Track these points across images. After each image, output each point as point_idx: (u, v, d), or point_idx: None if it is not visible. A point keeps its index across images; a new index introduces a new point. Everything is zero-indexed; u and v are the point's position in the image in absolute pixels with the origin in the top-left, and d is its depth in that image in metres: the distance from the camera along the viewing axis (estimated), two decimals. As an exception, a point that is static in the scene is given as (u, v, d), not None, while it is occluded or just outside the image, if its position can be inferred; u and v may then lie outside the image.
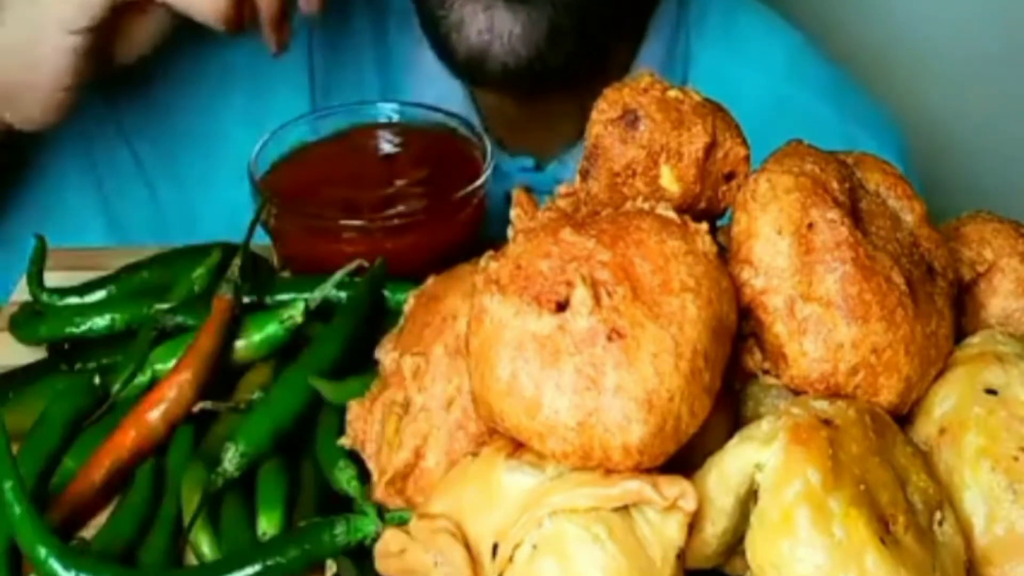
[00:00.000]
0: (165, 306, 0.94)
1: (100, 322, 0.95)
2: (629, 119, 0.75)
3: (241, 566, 0.75)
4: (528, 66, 1.08)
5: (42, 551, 0.75)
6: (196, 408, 0.86)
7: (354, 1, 1.25)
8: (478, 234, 1.02)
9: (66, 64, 0.99)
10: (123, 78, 1.20)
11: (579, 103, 1.18)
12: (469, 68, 1.09)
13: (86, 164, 1.23)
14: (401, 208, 1.00)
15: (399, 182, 1.04)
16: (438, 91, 1.19)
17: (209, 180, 1.22)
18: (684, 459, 0.68)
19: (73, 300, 0.97)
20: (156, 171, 1.24)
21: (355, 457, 0.80)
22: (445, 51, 1.10)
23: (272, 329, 0.91)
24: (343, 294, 0.94)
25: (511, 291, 0.67)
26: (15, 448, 0.85)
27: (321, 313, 0.92)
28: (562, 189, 0.81)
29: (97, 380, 0.89)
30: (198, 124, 1.23)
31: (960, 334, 0.77)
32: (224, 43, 1.17)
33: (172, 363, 0.88)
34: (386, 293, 0.95)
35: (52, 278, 0.98)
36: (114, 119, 1.23)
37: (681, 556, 0.67)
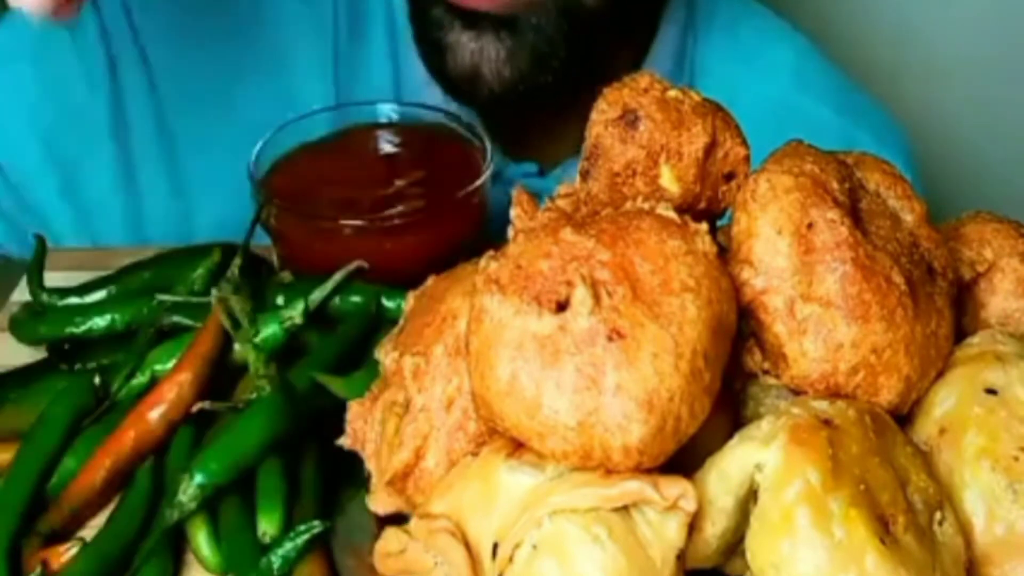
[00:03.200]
0: (167, 297, 0.94)
1: (100, 322, 0.95)
2: (629, 119, 0.75)
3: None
4: (513, 87, 1.11)
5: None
6: (196, 408, 0.86)
7: (372, 10, 1.25)
8: (478, 234, 1.02)
9: None
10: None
11: (582, 113, 1.19)
12: (461, 87, 1.12)
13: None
14: (401, 208, 1.00)
15: (399, 182, 1.04)
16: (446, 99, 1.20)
17: (225, 179, 1.22)
18: (684, 459, 0.68)
19: (73, 300, 0.97)
20: (184, 162, 1.24)
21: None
22: (439, 71, 1.13)
23: (272, 330, 0.91)
24: (338, 300, 0.94)
25: (511, 291, 0.67)
26: (15, 448, 0.85)
27: (320, 318, 0.93)
28: (562, 189, 0.81)
29: (97, 380, 0.89)
30: (221, 100, 1.23)
31: (960, 334, 0.77)
32: (247, 25, 1.17)
33: (172, 363, 0.88)
34: (383, 300, 0.95)
35: (52, 278, 0.98)
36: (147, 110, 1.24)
37: (681, 556, 0.67)
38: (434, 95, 1.18)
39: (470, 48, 1.10)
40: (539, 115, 1.23)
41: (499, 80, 1.11)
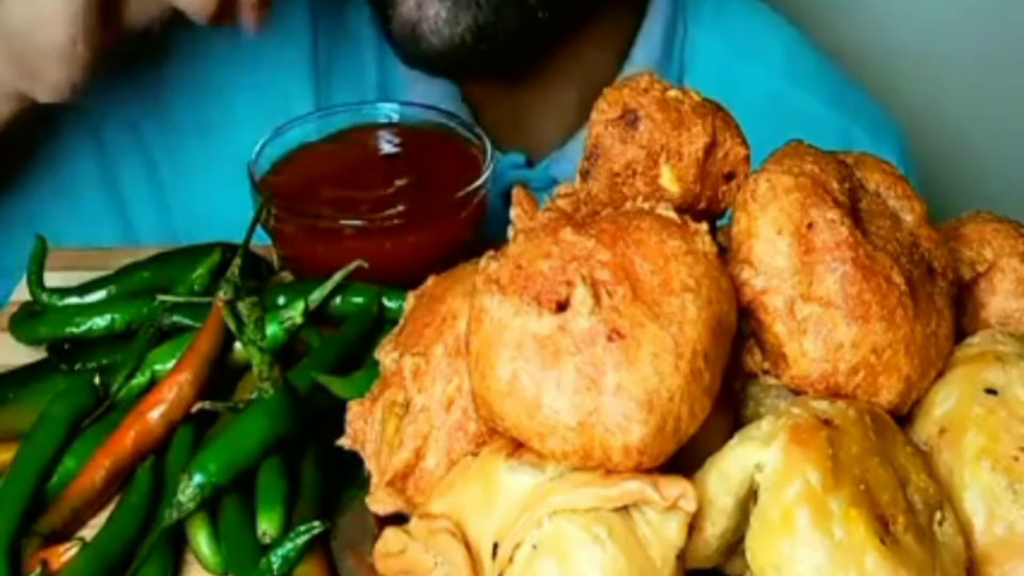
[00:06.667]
0: (167, 297, 0.94)
1: (100, 322, 0.95)
2: (629, 119, 0.75)
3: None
4: (454, 51, 1.12)
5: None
6: (195, 408, 0.86)
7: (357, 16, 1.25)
8: (478, 234, 1.02)
9: (72, 21, 0.98)
10: (131, 67, 1.20)
11: (567, 103, 1.19)
12: (402, 45, 1.13)
13: (96, 157, 1.23)
14: (401, 208, 1.00)
15: (399, 182, 1.04)
16: (432, 89, 1.20)
17: (214, 172, 1.22)
18: (684, 459, 0.68)
19: (73, 300, 0.97)
20: (163, 164, 1.24)
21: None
22: (386, 32, 1.13)
23: (272, 330, 0.91)
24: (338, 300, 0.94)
25: (511, 291, 0.67)
26: (15, 448, 0.85)
27: (320, 318, 0.93)
28: (562, 189, 0.81)
29: (97, 380, 0.89)
30: (203, 116, 1.23)
31: (960, 334, 0.77)
32: (228, 35, 1.18)
33: (172, 363, 0.88)
34: (384, 300, 0.95)
35: (52, 278, 0.98)
36: (124, 112, 1.23)
37: (681, 556, 0.67)
38: (419, 94, 1.18)
39: (409, 5, 1.11)
40: (526, 104, 1.23)
41: (439, 40, 1.12)
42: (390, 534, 0.71)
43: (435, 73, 1.18)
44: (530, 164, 1.25)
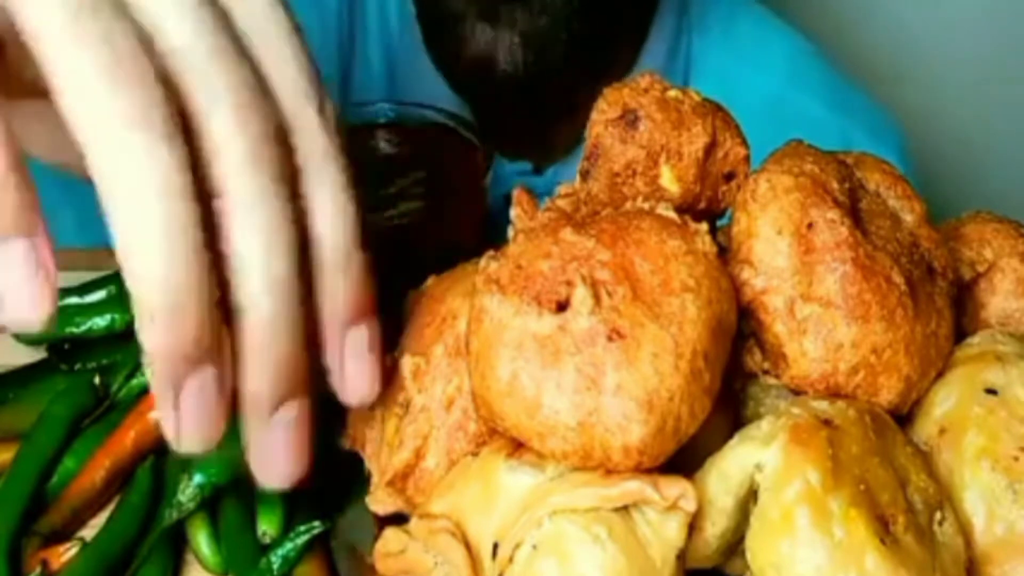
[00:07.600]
0: None
1: (100, 322, 0.95)
2: (629, 119, 0.75)
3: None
4: (525, 70, 1.11)
5: None
6: (196, 408, 0.85)
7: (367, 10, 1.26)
8: (478, 234, 1.02)
9: None
10: None
11: (576, 114, 1.19)
12: (475, 81, 1.12)
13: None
14: (401, 208, 1.00)
15: (399, 182, 1.04)
16: (436, 92, 1.20)
17: None
18: (684, 459, 0.68)
19: (73, 300, 0.97)
20: None
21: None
22: (450, 64, 1.13)
23: (272, 329, 0.91)
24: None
25: (511, 291, 0.67)
26: (15, 448, 0.85)
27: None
28: (562, 189, 0.81)
29: (97, 380, 0.89)
30: None
31: (960, 334, 0.77)
32: None
33: (172, 363, 0.88)
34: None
35: (52, 278, 0.98)
36: None
37: (681, 556, 0.67)
38: (425, 90, 1.18)
39: (486, 37, 1.11)
40: (535, 115, 1.23)
41: (515, 66, 1.11)
42: (390, 534, 0.71)
43: (507, 101, 1.18)
44: (536, 171, 1.25)
